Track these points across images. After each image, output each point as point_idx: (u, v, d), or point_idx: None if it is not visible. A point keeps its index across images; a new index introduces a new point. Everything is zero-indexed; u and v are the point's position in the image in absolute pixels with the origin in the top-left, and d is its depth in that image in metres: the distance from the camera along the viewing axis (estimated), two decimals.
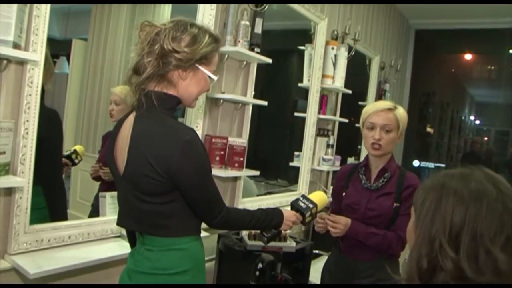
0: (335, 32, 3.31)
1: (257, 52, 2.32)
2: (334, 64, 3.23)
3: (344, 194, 1.93)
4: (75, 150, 2.10)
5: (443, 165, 7.48)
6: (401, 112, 1.85)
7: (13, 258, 1.51)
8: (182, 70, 1.30)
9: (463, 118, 9.39)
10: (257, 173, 2.52)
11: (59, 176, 1.97)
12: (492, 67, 8.06)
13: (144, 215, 1.31)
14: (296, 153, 3.25)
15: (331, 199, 2.07)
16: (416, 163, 6.51)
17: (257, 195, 2.95)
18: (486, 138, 8.66)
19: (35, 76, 1.49)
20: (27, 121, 1.49)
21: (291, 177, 3.32)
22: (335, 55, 3.22)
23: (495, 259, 0.79)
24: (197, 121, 2.14)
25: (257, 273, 1.52)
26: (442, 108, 8.08)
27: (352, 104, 3.83)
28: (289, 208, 1.66)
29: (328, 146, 3.39)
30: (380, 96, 4.27)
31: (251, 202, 2.63)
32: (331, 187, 2.62)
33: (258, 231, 1.75)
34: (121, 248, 1.79)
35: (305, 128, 3.17)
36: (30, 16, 1.45)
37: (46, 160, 1.65)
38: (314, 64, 3.11)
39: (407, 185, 1.81)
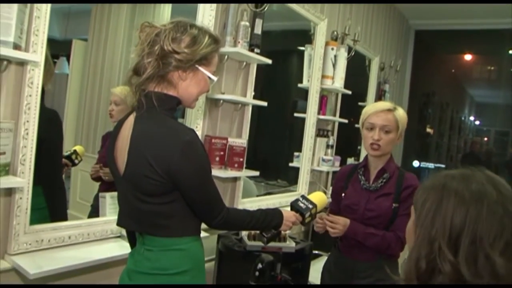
0: (335, 32, 3.32)
1: (257, 53, 2.33)
2: (334, 65, 3.23)
3: (343, 194, 1.94)
4: (75, 151, 2.10)
5: (443, 166, 7.48)
6: (401, 113, 1.85)
7: (13, 258, 1.51)
8: (182, 70, 1.30)
9: (463, 118, 9.39)
10: (256, 173, 2.52)
11: (59, 177, 1.97)
12: (492, 68, 8.06)
13: (144, 216, 1.31)
14: (295, 153, 3.25)
15: (330, 200, 2.07)
16: (416, 163, 6.51)
17: (257, 196, 2.96)
18: (486, 139, 8.66)
19: (35, 76, 1.49)
20: (27, 121, 1.49)
21: (291, 177, 3.32)
22: (335, 56, 3.23)
23: (493, 264, 0.79)
24: (197, 121, 2.15)
25: (257, 273, 1.52)
26: (442, 109, 8.08)
27: (351, 104, 3.83)
28: (288, 208, 1.67)
29: (327, 146, 3.39)
30: (379, 96, 4.27)
31: (251, 203, 2.63)
32: (331, 188, 2.62)
33: (258, 232, 1.75)
34: (121, 248, 1.79)
35: (304, 129, 3.17)
36: (31, 17, 1.45)
37: (46, 161, 1.66)
38: (313, 64, 3.12)
39: (406, 185, 1.81)
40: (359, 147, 4.14)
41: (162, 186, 1.26)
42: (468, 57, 7.32)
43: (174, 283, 1.30)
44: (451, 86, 8.75)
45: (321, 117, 3.26)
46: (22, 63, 1.47)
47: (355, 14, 3.69)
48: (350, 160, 3.92)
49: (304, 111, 3.18)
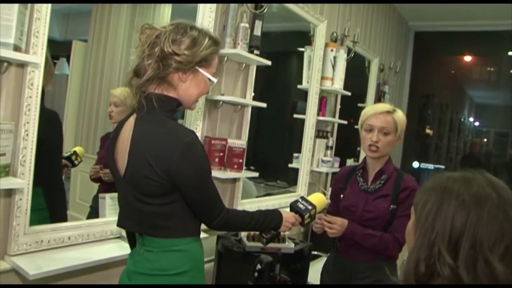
0: (335, 34, 3.33)
1: (256, 54, 2.33)
2: (333, 66, 3.24)
3: (341, 196, 1.94)
4: (75, 152, 2.10)
5: (442, 167, 7.49)
6: (400, 115, 1.86)
7: (13, 259, 1.51)
8: (182, 72, 1.31)
9: (462, 119, 9.40)
10: (256, 174, 2.52)
11: (59, 178, 1.98)
12: (492, 69, 8.07)
13: (145, 216, 1.32)
14: (295, 154, 3.25)
15: (329, 201, 2.08)
16: (415, 164, 6.52)
17: (257, 197, 2.96)
18: (485, 140, 8.67)
19: (36, 78, 1.50)
20: (27, 122, 1.49)
21: (290, 178, 3.33)
22: (334, 57, 3.23)
23: (493, 269, 0.79)
24: (196, 122, 2.15)
25: (256, 274, 1.52)
26: (441, 110, 8.08)
27: (351, 106, 3.84)
28: (288, 209, 1.67)
29: (327, 147, 3.40)
30: (379, 98, 4.27)
31: (250, 204, 2.64)
32: (330, 189, 2.62)
33: (257, 233, 1.76)
34: (121, 249, 1.79)
35: (304, 130, 3.18)
36: (31, 19, 1.46)
37: (46, 162, 1.66)
38: (313, 66, 3.12)
39: (404, 187, 1.82)
40: (358, 148, 4.14)
41: (162, 187, 1.27)
42: (467, 58, 7.33)
43: (173, 283, 1.30)
44: (451, 87, 8.76)
45: (321, 118, 3.27)
46: (22, 65, 1.48)
47: (355, 16, 3.69)
48: (350, 161, 3.92)
49: (304, 112, 3.18)
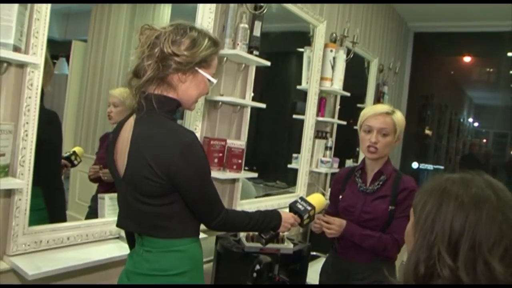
0: (334, 34, 3.33)
1: (256, 55, 2.33)
2: (333, 67, 3.24)
3: (340, 197, 1.94)
4: (74, 152, 2.10)
5: (441, 167, 7.51)
6: (399, 116, 1.86)
7: (12, 259, 1.51)
8: (182, 73, 1.31)
9: (461, 120, 9.42)
10: (255, 175, 2.52)
11: (58, 178, 1.97)
12: (491, 70, 8.10)
13: (144, 217, 1.32)
14: (294, 155, 3.26)
15: (329, 202, 2.08)
16: (415, 165, 6.53)
17: (256, 197, 2.96)
18: (484, 140, 8.70)
19: (35, 78, 1.50)
20: (27, 123, 1.49)
21: (290, 179, 3.33)
22: (334, 58, 3.23)
23: (492, 269, 0.79)
24: (195, 123, 2.15)
25: (255, 274, 1.53)
26: (440, 110, 8.10)
27: (350, 106, 3.84)
28: (287, 210, 1.67)
29: (326, 148, 3.40)
30: (378, 98, 4.28)
31: (249, 204, 2.64)
32: (329, 189, 2.63)
33: (256, 233, 1.76)
34: (120, 249, 1.80)
35: (303, 130, 3.18)
36: (31, 19, 1.46)
37: (45, 162, 1.66)
38: (312, 66, 3.13)
39: (402, 188, 1.82)
40: (357, 149, 4.14)
41: (162, 188, 1.27)
42: (467, 59, 7.35)
43: (172, 284, 1.30)
44: (450, 88, 8.77)
45: (320, 118, 3.27)
46: (22, 65, 1.48)
47: (354, 16, 3.70)
48: (349, 162, 3.92)
49: (303, 113, 3.19)
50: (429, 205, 0.87)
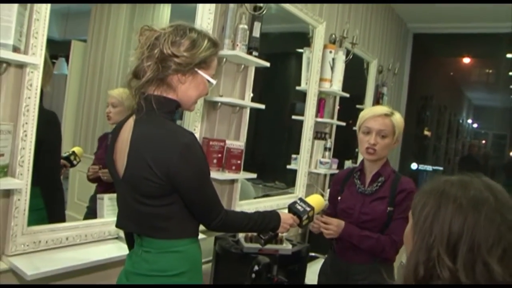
0: (333, 35, 3.33)
1: (255, 56, 2.33)
2: (332, 68, 3.24)
3: (339, 198, 1.95)
4: (73, 152, 2.10)
5: (440, 168, 7.51)
6: (398, 118, 1.86)
7: (11, 260, 1.51)
8: (182, 74, 1.31)
9: (460, 121, 9.43)
10: (254, 175, 2.52)
11: (57, 178, 1.97)
12: (490, 71, 8.11)
13: (144, 217, 1.32)
14: (293, 156, 3.26)
15: (328, 202, 2.08)
16: (414, 166, 6.53)
17: (255, 198, 2.96)
18: (483, 142, 8.71)
19: (34, 79, 1.50)
20: (26, 123, 1.49)
21: (289, 179, 3.33)
22: (333, 59, 3.24)
23: (491, 271, 0.80)
24: (195, 124, 2.15)
25: (253, 275, 1.53)
26: (439, 112, 8.11)
27: (349, 107, 3.85)
28: (286, 211, 1.67)
29: (325, 149, 3.40)
30: (377, 99, 4.28)
31: (248, 205, 2.64)
32: (328, 190, 2.63)
33: (255, 234, 1.76)
34: (119, 250, 1.80)
35: (302, 131, 3.18)
36: (30, 20, 1.46)
37: (44, 162, 1.66)
38: (312, 67, 3.13)
39: (401, 189, 1.82)
40: (356, 150, 4.13)
41: (161, 188, 1.27)
42: (466, 60, 7.36)
43: (171, 284, 1.30)
44: (449, 89, 8.78)
45: (319, 119, 3.27)
46: (21, 66, 1.48)
47: (354, 17, 3.70)
48: (348, 163, 3.93)
49: (302, 114, 3.19)
50: (427, 207, 0.88)
